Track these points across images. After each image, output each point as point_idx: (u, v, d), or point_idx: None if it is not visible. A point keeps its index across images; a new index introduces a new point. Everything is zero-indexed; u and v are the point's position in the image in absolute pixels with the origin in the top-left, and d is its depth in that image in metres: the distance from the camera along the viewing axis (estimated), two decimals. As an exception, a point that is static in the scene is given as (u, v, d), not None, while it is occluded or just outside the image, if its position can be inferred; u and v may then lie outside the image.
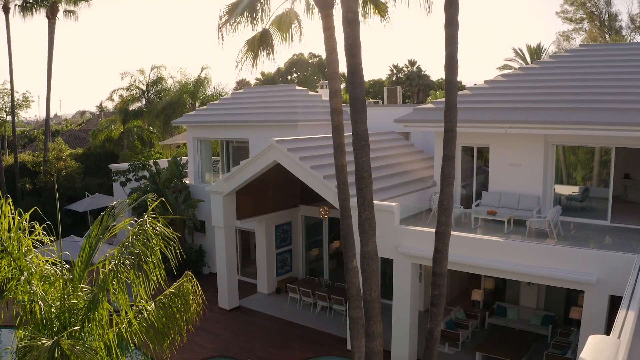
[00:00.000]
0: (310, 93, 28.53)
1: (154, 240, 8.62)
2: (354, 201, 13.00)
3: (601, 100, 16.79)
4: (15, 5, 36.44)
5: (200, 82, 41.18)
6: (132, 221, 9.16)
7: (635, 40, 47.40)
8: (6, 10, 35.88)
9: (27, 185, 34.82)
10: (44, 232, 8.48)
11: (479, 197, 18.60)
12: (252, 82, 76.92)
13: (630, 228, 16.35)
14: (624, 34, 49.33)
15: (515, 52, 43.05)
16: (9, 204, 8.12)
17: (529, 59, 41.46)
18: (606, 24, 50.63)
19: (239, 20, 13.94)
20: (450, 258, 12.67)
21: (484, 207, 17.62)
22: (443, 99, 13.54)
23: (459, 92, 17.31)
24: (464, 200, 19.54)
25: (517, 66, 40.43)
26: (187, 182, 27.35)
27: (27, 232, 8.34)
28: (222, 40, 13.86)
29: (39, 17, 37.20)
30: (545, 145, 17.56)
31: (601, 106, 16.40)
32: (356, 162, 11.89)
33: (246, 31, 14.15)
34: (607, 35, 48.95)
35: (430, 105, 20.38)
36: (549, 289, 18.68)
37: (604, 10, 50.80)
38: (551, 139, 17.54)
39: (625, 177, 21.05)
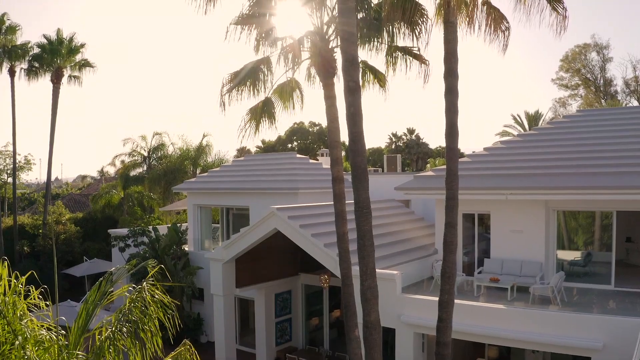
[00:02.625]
0: (311, 161, 28.83)
1: (152, 308, 8.46)
2: (355, 269, 12.83)
3: (600, 165, 16.91)
4: (21, 69, 37.28)
5: (201, 149, 41.57)
6: (130, 287, 9.02)
7: (630, 104, 48.25)
8: (12, 73, 36.69)
9: (25, 248, 34.63)
10: (40, 296, 8.35)
11: (481, 265, 18.43)
12: (253, 149, 77.73)
13: (634, 292, 16.14)
14: (619, 98, 50.33)
15: (514, 118, 43.75)
16: (6, 266, 8.03)
17: (527, 125, 42.04)
18: (601, 89, 51.69)
19: (241, 89, 14.12)
20: (453, 327, 12.45)
21: (487, 274, 17.43)
22: (443, 167, 13.65)
23: (459, 160, 17.45)
24: (466, 267, 19.34)
25: (515, 132, 41.00)
26: (186, 248, 27.19)
27: (22, 295, 8.21)
28: (224, 107, 13.97)
29: (44, 81, 37.99)
30: (546, 211, 17.56)
31: (601, 170, 16.50)
32: (358, 230, 11.83)
33: (248, 98, 14.31)
34: (602, 100, 49.88)
35: (430, 173, 20.50)
36: (555, 356, 18.21)
37: (599, 75, 51.98)
38: (552, 204, 17.54)
39: (627, 241, 20.93)
